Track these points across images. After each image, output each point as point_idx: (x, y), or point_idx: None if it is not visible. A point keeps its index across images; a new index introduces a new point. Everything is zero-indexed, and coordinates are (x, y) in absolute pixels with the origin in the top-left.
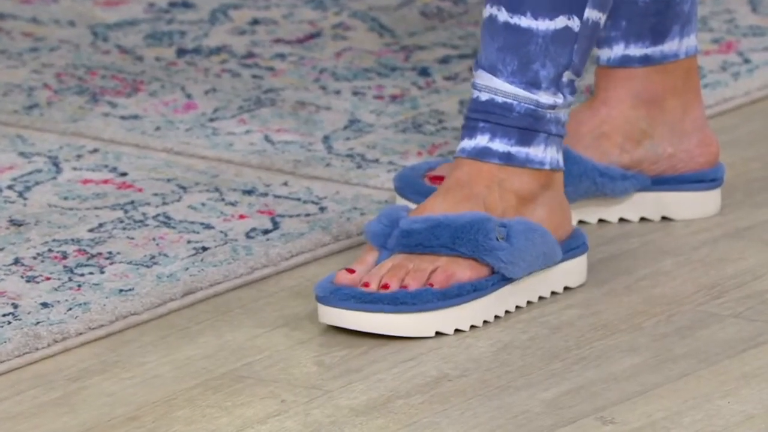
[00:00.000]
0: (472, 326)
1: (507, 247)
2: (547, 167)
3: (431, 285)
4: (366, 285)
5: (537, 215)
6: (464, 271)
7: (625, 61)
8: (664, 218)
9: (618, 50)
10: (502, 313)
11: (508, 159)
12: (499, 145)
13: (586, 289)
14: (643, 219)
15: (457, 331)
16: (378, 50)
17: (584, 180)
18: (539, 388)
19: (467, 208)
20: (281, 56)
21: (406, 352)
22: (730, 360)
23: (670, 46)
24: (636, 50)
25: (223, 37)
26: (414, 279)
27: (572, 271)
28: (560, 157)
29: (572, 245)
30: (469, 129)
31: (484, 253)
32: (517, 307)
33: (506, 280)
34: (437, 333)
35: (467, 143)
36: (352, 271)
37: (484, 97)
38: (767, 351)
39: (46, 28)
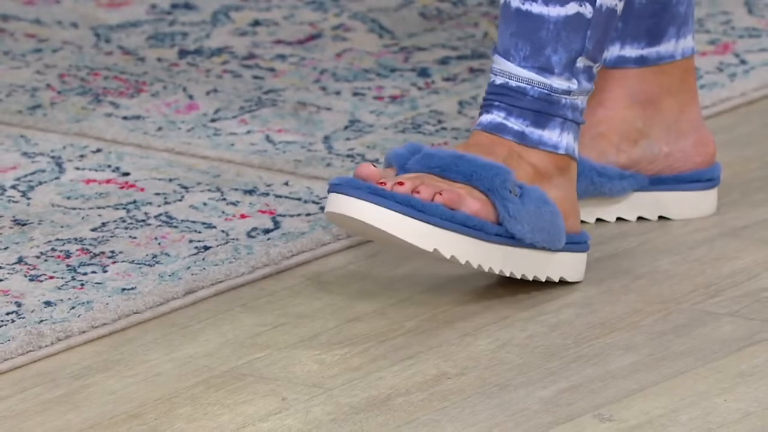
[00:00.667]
0: (466, 319)
1: (517, 202)
2: (561, 151)
3: (440, 193)
4: (382, 183)
5: (551, 195)
6: (474, 201)
7: (620, 62)
8: (661, 218)
9: (614, 51)
10: (497, 271)
11: (521, 137)
12: (514, 123)
13: (584, 288)
14: (640, 218)
15: (451, 323)
16: (378, 51)
17: (582, 180)
18: (538, 386)
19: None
20: (282, 57)
21: (406, 350)
22: (726, 358)
23: (666, 47)
24: (631, 51)
25: (225, 39)
26: (427, 187)
27: (571, 264)
28: (576, 146)
29: (576, 240)
30: (486, 107)
31: (497, 196)
32: (512, 274)
33: (510, 238)
34: (435, 251)
35: (484, 118)
36: (369, 167)
37: (499, 80)
38: (764, 349)
39: (49, 29)
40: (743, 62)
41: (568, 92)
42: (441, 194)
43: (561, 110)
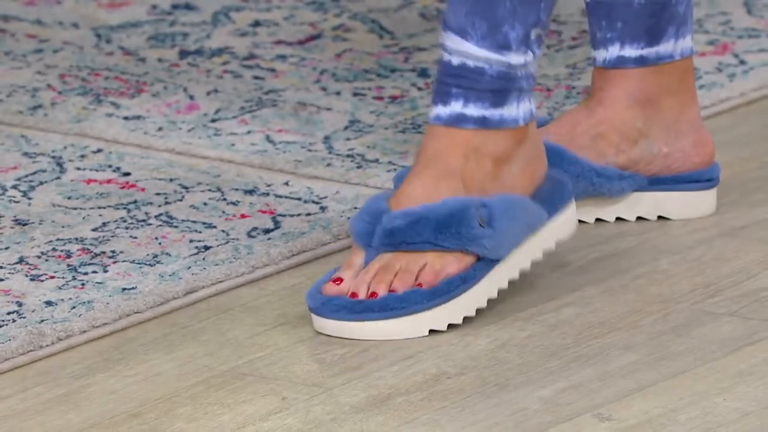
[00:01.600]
0: (466, 318)
1: (490, 233)
2: (521, 123)
3: (420, 285)
4: (354, 295)
5: (513, 172)
6: (451, 264)
7: (620, 62)
8: (660, 218)
9: (614, 51)
10: (495, 294)
11: (483, 123)
12: (474, 110)
13: (583, 288)
14: (639, 218)
15: (451, 325)
16: (378, 52)
17: (581, 181)
18: (537, 386)
19: (446, 187)
20: (282, 57)
21: (406, 350)
22: (725, 358)
23: (665, 47)
24: (631, 51)
25: (225, 39)
26: (402, 281)
27: (560, 224)
28: (533, 106)
29: (557, 199)
30: (442, 94)
31: (468, 244)
32: (510, 282)
33: (494, 261)
34: (431, 331)
35: (442, 110)
36: (339, 281)
37: (455, 61)
38: (763, 349)
39: (50, 29)
40: (742, 62)
41: (525, 65)
42: (421, 285)
43: (517, 83)
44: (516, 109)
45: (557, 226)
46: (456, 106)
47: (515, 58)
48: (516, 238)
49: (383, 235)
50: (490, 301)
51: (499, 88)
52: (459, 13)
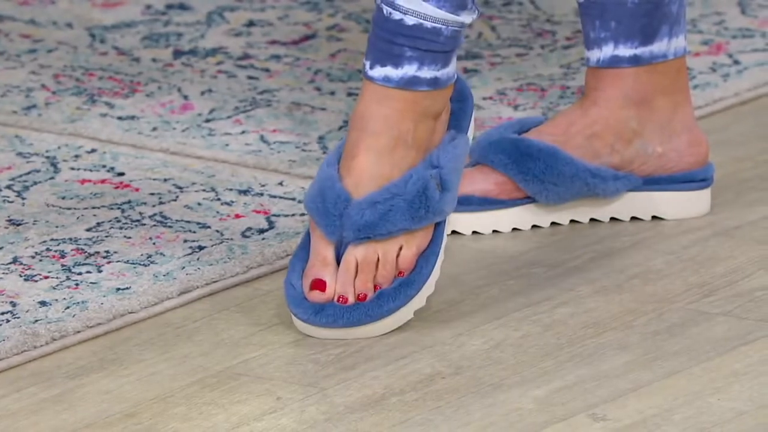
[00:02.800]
0: (460, 316)
1: (448, 197)
2: (453, 80)
3: (401, 273)
4: (344, 301)
5: (443, 119)
6: (423, 239)
7: (614, 62)
8: (654, 218)
9: (607, 51)
10: (449, 231)
11: (435, 84)
12: (427, 72)
13: (577, 288)
14: (634, 218)
15: (445, 325)
16: None
17: (576, 181)
18: (531, 386)
19: (401, 157)
20: (276, 57)
21: (400, 350)
22: (720, 357)
23: (659, 47)
24: (625, 50)
25: (219, 39)
26: (385, 277)
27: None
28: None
29: (460, 119)
30: (395, 56)
31: (435, 218)
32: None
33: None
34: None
35: (393, 72)
36: (321, 285)
37: (410, 21)
38: (757, 349)
39: (44, 29)
40: (736, 62)
41: (470, 24)
42: (402, 273)
43: (461, 41)
44: (455, 67)
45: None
46: (409, 69)
47: (467, 17)
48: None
49: (356, 229)
50: (483, 299)
51: (451, 48)
52: None
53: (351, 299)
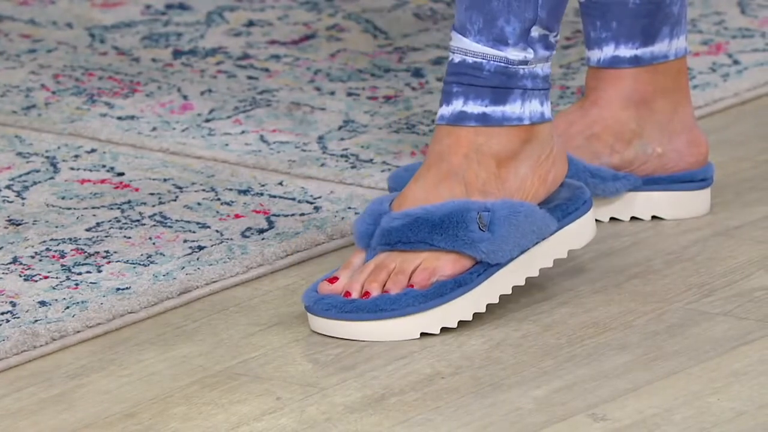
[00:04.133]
0: (462, 321)
1: (488, 237)
2: (526, 122)
3: (412, 286)
4: (347, 294)
5: (520, 173)
6: (446, 265)
7: (615, 62)
8: (654, 218)
9: (608, 51)
10: (496, 299)
11: (484, 120)
12: (474, 107)
13: (577, 288)
14: (634, 218)
15: (445, 329)
16: (372, 52)
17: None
18: (531, 386)
19: (447, 189)
20: (276, 57)
21: (400, 349)
22: (720, 357)
23: (660, 48)
24: (626, 51)
25: (219, 39)
26: (395, 283)
27: (574, 232)
28: (546, 109)
29: (572, 208)
30: (446, 94)
31: (464, 247)
32: (514, 287)
33: (495, 266)
34: (423, 334)
35: (445, 110)
36: (334, 280)
37: (457, 58)
38: (757, 349)
39: (44, 29)
40: (736, 62)
41: (525, 62)
42: (413, 286)
43: (520, 81)
44: (521, 108)
45: (570, 234)
46: (457, 105)
47: (513, 53)
48: (518, 243)
49: (380, 234)
50: (488, 304)
51: (499, 84)
52: (460, 11)
53: (354, 294)
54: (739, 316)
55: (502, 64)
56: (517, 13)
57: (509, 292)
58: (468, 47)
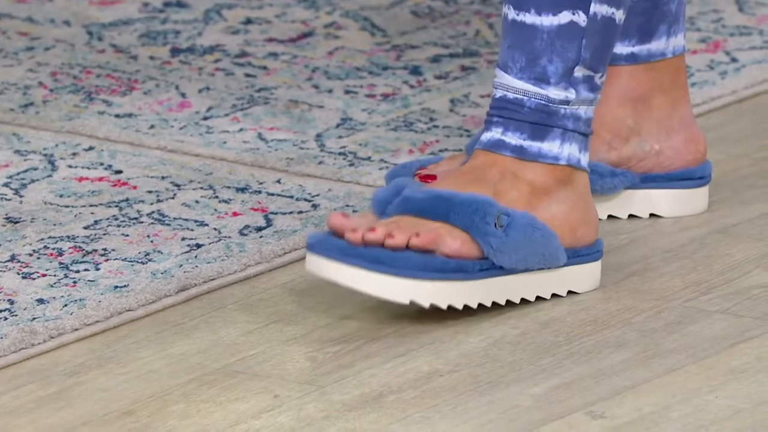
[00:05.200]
0: (456, 312)
1: (501, 236)
2: (562, 162)
3: (417, 235)
4: (354, 230)
5: (552, 210)
6: (454, 240)
7: (612, 59)
8: (652, 215)
9: None
10: (488, 303)
11: (520, 152)
12: (512, 138)
13: None
14: (631, 216)
15: (444, 322)
16: (370, 49)
17: None
18: (529, 383)
19: (475, 189)
20: (274, 55)
21: (398, 347)
22: (718, 355)
23: (657, 45)
24: (622, 48)
25: (217, 37)
26: (401, 231)
27: (580, 275)
28: (583, 157)
29: (584, 251)
30: (486, 124)
31: (476, 233)
32: (508, 302)
33: (498, 269)
34: (412, 302)
35: (484, 136)
36: (347, 215)
37: (498, 94)
38: (755, 346)
39: (42, 27)
40: (734, 60)
41: (567, 102)
42: (417, 236)
43: (560, 121)
44: (558, 147)
45: (576, 274)
46: (495, 133)
47: (554, 92)
48: (526, 258)
49: (400, 202)
50: (481, 305)
51: (539, 121)
52: (503, 48)
53: (360, 231)
54: (737, 313)
55: (543, 102)
56: (560, 53)
57: (502, 302)
58: (510, 83)
